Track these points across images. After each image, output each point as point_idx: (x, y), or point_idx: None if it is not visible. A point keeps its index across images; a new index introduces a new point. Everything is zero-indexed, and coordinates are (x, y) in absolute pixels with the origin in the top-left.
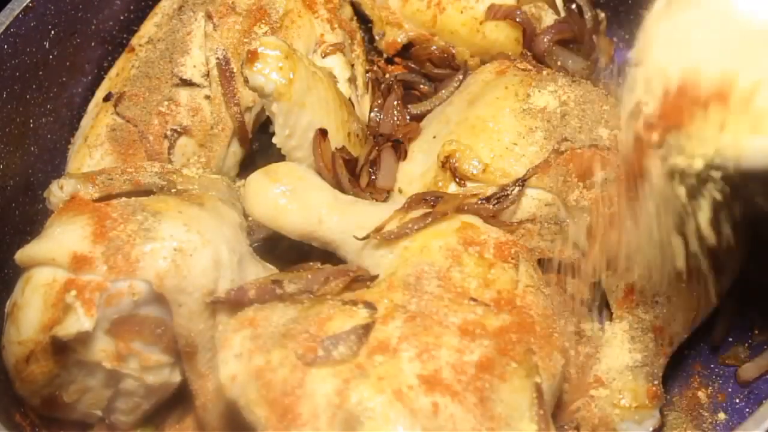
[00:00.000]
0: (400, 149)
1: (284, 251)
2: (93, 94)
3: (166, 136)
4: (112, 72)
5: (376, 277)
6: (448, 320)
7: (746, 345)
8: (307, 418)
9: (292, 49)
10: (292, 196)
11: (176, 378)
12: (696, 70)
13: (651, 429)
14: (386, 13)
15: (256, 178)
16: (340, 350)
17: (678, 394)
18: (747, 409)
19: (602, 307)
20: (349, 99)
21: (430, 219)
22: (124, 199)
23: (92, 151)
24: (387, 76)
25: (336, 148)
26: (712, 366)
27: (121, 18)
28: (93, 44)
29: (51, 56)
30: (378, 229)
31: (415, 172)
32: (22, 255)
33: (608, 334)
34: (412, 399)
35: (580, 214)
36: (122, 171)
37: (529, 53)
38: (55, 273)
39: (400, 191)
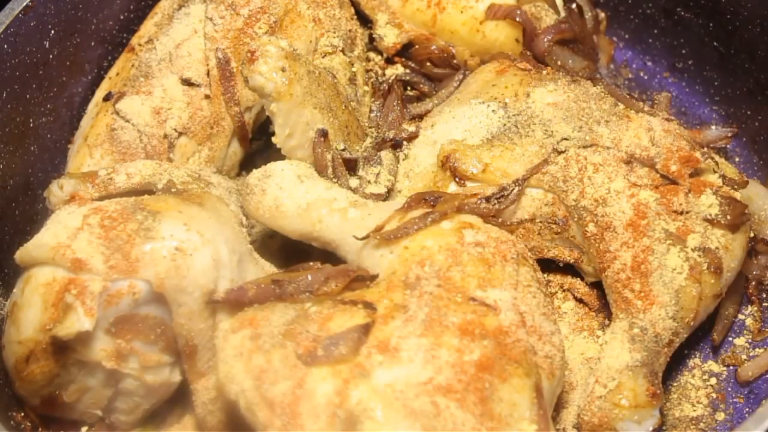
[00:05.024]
0: (400, 149)
1: (284, 251)
2: (93, 94)
3: (165, 136)
4: (112, 72)
5: (376, 276)
6: (448, 320)
7: (746, 345)
8: (306, 418)
9: (292, 49)
10: (292, 196)
11: (176, 378)
12: None
13: (651, 429)
14: (386, 13)
15: (256, 177)
16: (340, 350)
17: (678, 393)
18: (747, 409)
19: (603, 307)
20: (349, 99)
21: (430, 219)
22: (124, 198)
23: (92, 150)
24: (387, 76)
25: (336, 148)
26: (712, 366)
27: (121, 18)
28: (93, 44)
29: (51, 56)
30: (378, 229)
31: (415, 172)
32: (22, 254)
33: (608, 334)
34: (412, 399)
35: (581, 215)
36: (122, 170)
37: (529, 53)
38: (54, 272)
39: (400, 191)
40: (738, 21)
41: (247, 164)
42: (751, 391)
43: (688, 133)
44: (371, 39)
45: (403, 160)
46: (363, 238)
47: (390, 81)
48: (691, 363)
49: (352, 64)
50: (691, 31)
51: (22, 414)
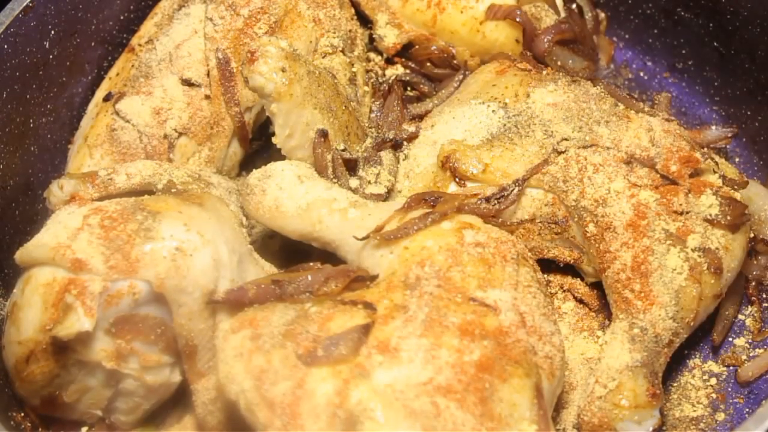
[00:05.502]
0: (400, 149)
1: (284, 251)
2: (93, 94)
3: (165, 136)
4: (112, 72)
5: (376, 277)
6: (448, 320)
7: (746, 345)
8: (306, 418)
9: (292, 49)
10: (292, 197)
11: (176, 378)
12: None
13: (651, 429)
14: (386, 13)
15: (256, 178)
16: (340, 350)
17: (678, 394)
18: (747, 409)
19: (603, 307)
20: (349, 99)
21: (430, 219)
22: (124, 198)
23: (92, 151)
24: (387, 76)
25: (336, 148)
26: (712, 366)
27: (121, 18)
28: (93, 44)
29: (51, 56)
30: (378, 229)
31: (415, 172)
32: (22, 254)
33: (608, 334)
34: (412, 399)
35: (581, 215)
36: (122, 171)
37: (529, 53)
38: (55, 273)
39: (400, 191)
40: (738, 21)
41: (247, 164)
42: (751, 391)
43: (688, 133)
44: (371, 39)
45: (403, 160)
46: (363, 239)
47: (390, 81)
48: (691, 363)
49: (352, 65)
50: (691, 31)
51: (22, 414)
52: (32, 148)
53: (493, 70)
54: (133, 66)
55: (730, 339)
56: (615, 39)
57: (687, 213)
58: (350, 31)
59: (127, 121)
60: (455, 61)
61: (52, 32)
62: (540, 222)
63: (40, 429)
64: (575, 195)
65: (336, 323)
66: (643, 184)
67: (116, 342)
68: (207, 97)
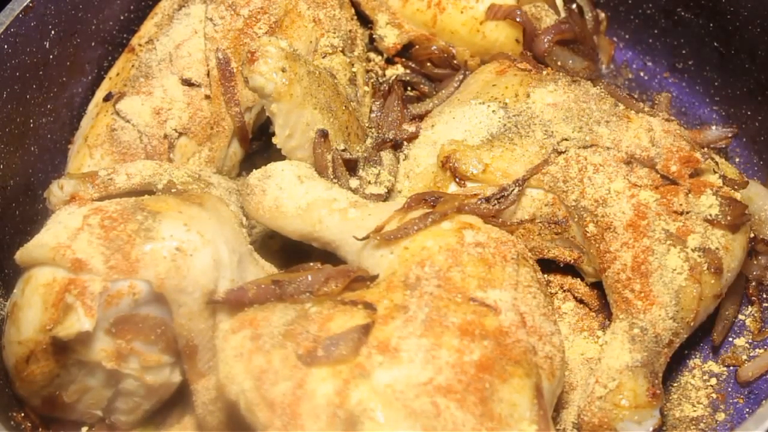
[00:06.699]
0: (400, 149)
1: (284, 251)
2: (93, 94)
3: (166, 136)
4: (112, 72)
5: (376, 277)
6: (448, 320)
7: (746, 345)
8: (307, 419)
9: (292, 49)
10: (292, 197)
11: (176, 378)
12: None
13: (651, 429)
14: (386, 13)
15: (256, 178)
16: (340, 350)
17: (678, 394)
18: (747, 409)
19: (603, 307)
20: (349, 99)
21: (430, 219)
22: (124, 198)
23: (92, 151)
24: (387, 76)
25: (336, 149)
26: (712, 366)
27: (121, 18)
28: (93, 44)
29: (51, 56)
30: (378, 230)
31: (415, 172)
32: (22, 254)
33: (608, 334)
34: (412, 399)
35: (581, 215)
36: (122, 171)
37: (529, 53)
38: (55, 273)
39: (400, 192)
40: (738, 21)
41: (247, 164)
42: (751, 391)
43: (688, 133)
44: (371, 39)
45: (404, 160)
46: (363, 239)
47: (390, 81)
48: (691, 363)
49: (353, 65)
50: (691, 31)
51: (23, 414)
52: (32, 148)
53: (493, 70)
54: (133, 66)
55: (730, 339)
56: (615, 39)
57: (687, 213)
58: (350, 31)
59: (127, 121)
60: (455, 61)
61: (52, 32)
62: (540, 222)
63: (40, 429)
64: (575, 195)
65: (336, 323)
66: (643, 184)
67: (116, 342)
68: (207, 97)
